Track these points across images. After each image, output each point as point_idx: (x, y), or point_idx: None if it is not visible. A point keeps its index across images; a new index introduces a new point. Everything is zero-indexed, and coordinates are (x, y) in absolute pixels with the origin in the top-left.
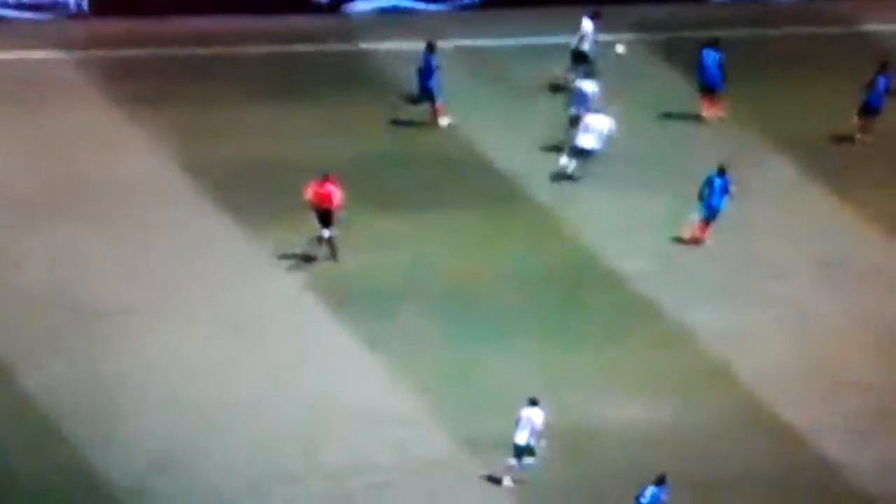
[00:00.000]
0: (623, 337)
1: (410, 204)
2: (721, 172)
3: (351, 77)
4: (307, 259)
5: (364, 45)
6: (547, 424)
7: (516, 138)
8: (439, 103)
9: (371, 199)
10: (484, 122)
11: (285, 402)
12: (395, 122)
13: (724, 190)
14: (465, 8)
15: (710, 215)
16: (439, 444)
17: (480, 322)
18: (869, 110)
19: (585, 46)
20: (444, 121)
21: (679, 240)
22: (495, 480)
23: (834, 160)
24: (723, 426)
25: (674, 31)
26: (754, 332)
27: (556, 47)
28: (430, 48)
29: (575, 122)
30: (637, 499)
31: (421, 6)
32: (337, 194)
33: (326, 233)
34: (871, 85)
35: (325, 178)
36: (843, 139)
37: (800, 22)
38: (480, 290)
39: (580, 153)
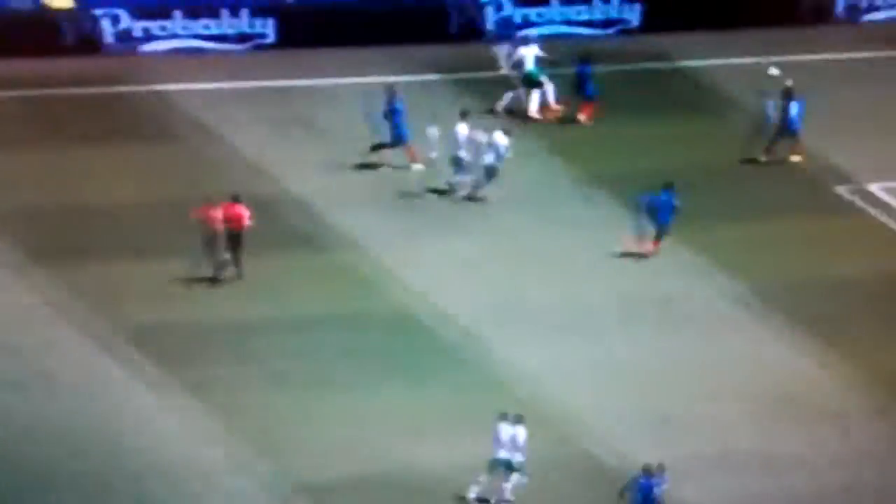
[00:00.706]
0: (436, 378)
1: None
2: (667, 189)
3: (142, 118)
4: (213, 281)
5: (157, 87)
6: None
7: (328, 179)
8: (409, 146)
9: None
10: (294, 162)
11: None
12: (193, 165)
13: (671, 205)
14: (259, 48)
15: (661, 231)
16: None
17: (301, 365)
18: (789, 133)
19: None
20: (417, 165)
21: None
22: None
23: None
24: (534, 467)
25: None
26: (571, 373)
27: (351, 87)
28: (392, 92)
29: (456, 162)
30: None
31: (213, 46)
32: (246, 215)
33: (227, 254)
34: (784, 110)
35: (235, 200)
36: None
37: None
38: (301, 334)
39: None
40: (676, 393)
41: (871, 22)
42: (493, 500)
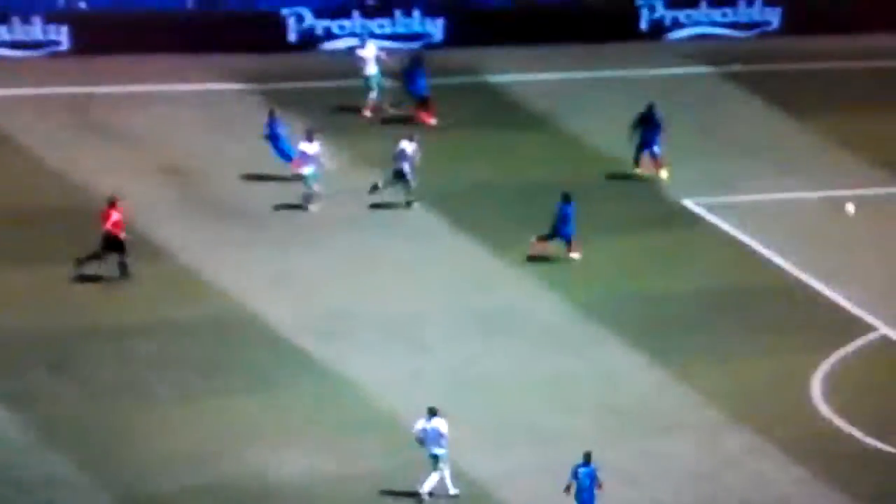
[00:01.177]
0: (285, 387)
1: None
2: (566, 199)
3: None
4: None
5: None
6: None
7: (140, 187)
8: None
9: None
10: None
11: None
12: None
13: (568, 216)
14: (56, 55)
15: (567, 240)
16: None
17: (120, 376)
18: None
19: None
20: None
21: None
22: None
23: (479, 210)
24: (387, 473)
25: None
26: (419, 380)
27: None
28: (272, 113)
29: (399, 175)
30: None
31: (6, 53)
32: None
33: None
34: (650, 127)
35: (113, 205)
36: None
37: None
38: (119, 343)
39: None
40: (512, 403)
41: (675, 40)
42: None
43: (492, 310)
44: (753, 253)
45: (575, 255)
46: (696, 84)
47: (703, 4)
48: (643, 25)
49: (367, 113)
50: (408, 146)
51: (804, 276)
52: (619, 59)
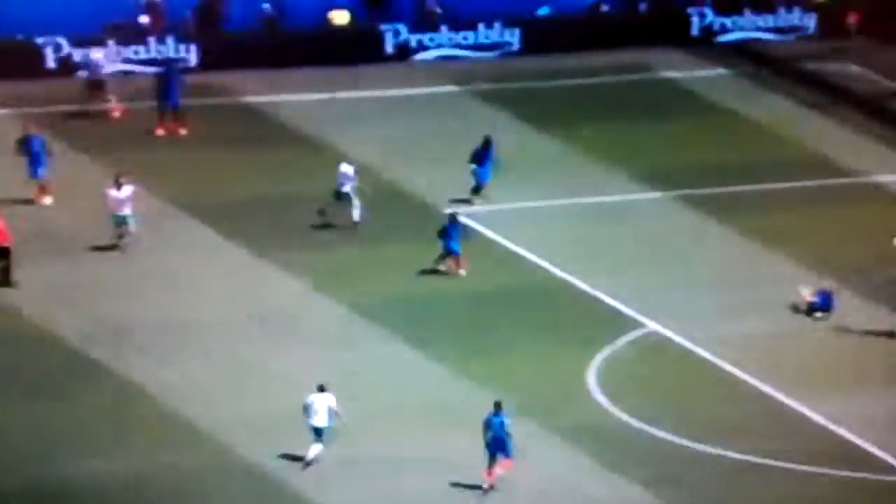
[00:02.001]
0: (78, 394)
1: None
2: (453, 219)
3: None
4: None
5: None
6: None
7: None
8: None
9: None
10: None
11: None
12: None
13: (457, 232)
14: None
15: (455, 253)
16: None
17: None
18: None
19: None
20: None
21: None
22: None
23: (249, 222)
24: (184, 471)
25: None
26: (205, 382)
27: None
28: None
29: (340, 196)
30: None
31: None
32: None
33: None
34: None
35: None
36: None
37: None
38: None
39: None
40: (298, 401)
41: (420, 61)
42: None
43: (269, 313)
44: (518, 257)
45: (462, 272)
46: (444, 101)
47: (445, 29)
48: (389, 49)
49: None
50: (348, 168)
51: (570, 278)
52: (370, 80)
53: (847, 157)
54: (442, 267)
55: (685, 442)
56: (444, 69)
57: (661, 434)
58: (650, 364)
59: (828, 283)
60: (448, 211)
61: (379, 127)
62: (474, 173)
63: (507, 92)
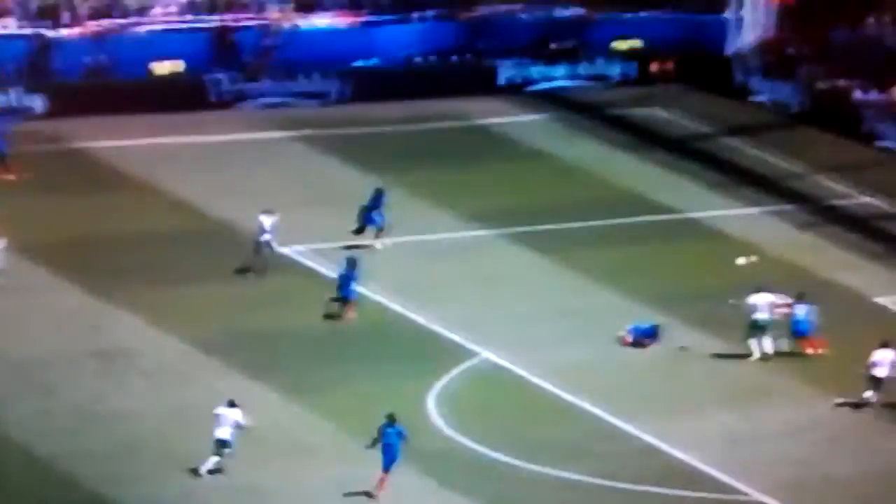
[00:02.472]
0: None
1: None
2: (350, 264)
3: None
4: None
5: None
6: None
7: None
8: None
9: None
10: None
11: None
12: None
13: (352, 278)
14: None
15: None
16: None
17: None
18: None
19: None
20: None
21: None
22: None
23: (80, 261)
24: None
25: None
26: (50, 419)
27: None
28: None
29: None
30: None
31: None
32: None
33: None
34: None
35: None
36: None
37: None
38: None
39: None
40: (144, 436)
41: (245, 108)
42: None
43: (110, 350)
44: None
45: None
46: (271, 147)
47: (267, 79)
48: (213, 97)
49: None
50: (266, 220)
51: (406, 312)
52: (198, 126)
53: (662, 195)
54: (350, 314)
55: (524, 464)
56: (269, 116)
57: (501, 457)
58: (487, 391)
59: (652, 314)
60: (347, 256)
61: (207, 171)
62: (370, 220)
63: (333, 138)
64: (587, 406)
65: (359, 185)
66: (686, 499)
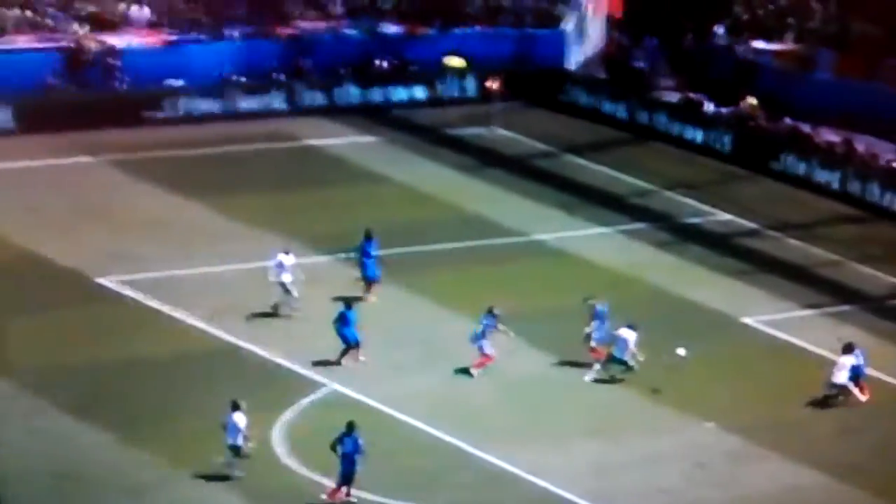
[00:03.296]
0: None
1: None
2: (347, 306)
3: None
4: None
5: None
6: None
7: None
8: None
9: None
10: None
11: None
12: None
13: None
14: None
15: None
16: None
17: None
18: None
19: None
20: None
21: None
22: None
23: None
24: None
25: None
26: None
27: None
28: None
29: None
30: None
31: None
32: None
33: None
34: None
35: None
36: None
37: None
38: None
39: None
40: None
41: None
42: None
43: None
44: (182, 323)
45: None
46: (75, 171)
47: None
48: None
49: None
50: (285, 259)
51: (249, 343)
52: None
53: (507, 217)
54: (361, 358)
55: (380, 498)
56: (75, 140)
57: (355, 492)
58: (335, 424)
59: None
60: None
61: (7, 198)
62: (362, 266)
63: (145, 161)
64: (442, 435)
65: (180, 208)
66: None
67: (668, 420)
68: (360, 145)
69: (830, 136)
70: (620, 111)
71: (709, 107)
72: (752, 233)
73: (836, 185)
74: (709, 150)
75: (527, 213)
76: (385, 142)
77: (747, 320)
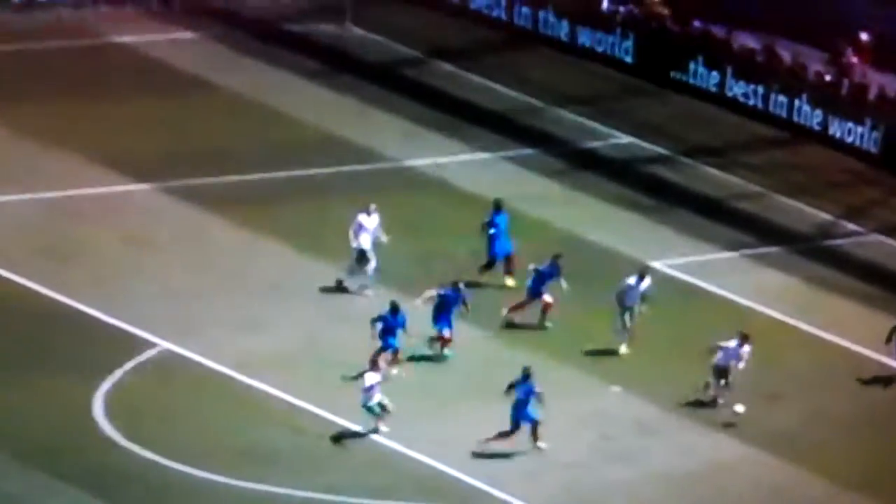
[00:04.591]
0: None
1: None
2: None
3: None
4: None
5: None
6: None
7: None
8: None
9: None
10: None
11: None
12: None
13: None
14: None
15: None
16: None
17: None
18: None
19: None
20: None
21: None
22: None
23: None
24: None
25: None
26: None
27: None
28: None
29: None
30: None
31: None
32: None
33: None
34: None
35: None
36: None
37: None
38: None
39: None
40: None
41: None
42: None
43: None
44: None
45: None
46: None
47: None
48: None
49: None
50: (366, 220)
51: (55, 293)
52: None
53: (365, 136)
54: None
55: (215, 476)
56: None
57: (192, 471)
58: (167, 389)
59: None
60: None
61: None
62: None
63: None
64: (299, 403)
65: None
66: None
67: (570, 384)
68: (179, 44)
69: (749, 41)
70: (497, 8)
71: (605, 4)
72: (658, 159)
73: (756, 102)
74: (605, 59)
75: (394, 134)
76: (209, 39)
77: (655, 264)
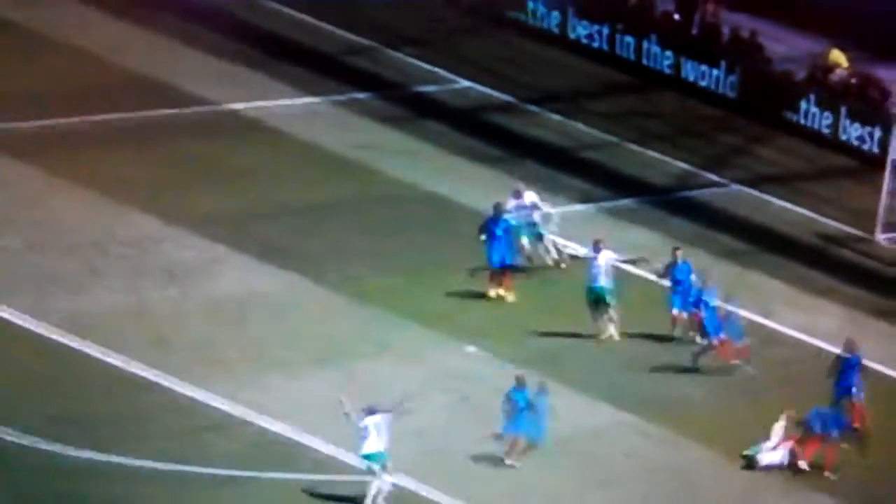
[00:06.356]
0: None
1: None
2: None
3: None
4: None
5: None
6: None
7: None
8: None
9: None
10: None
11: None
12: None
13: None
14: None
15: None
16: None
17: None
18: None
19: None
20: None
21: None
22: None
23: None
24: None
25: None
26: None
27: None
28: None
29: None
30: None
31: None
32: None
33: None
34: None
35: None
36: None
37: None
38: None
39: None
40: None
41: None
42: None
43: None
44: None
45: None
46: None
47: None
48: None
49: None
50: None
51: None
52: None
53: (177, 77)
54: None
55: (60, 449)
56: None
57: (28, 443)
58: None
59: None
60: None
61: None
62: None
63: None
64: (138, 370)
65: None
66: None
67: (422, 344)
68: None
69: None
70: None
71: None
72: (502, 107)
73: (601, 44)
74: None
75: (209, 73)
76: None
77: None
